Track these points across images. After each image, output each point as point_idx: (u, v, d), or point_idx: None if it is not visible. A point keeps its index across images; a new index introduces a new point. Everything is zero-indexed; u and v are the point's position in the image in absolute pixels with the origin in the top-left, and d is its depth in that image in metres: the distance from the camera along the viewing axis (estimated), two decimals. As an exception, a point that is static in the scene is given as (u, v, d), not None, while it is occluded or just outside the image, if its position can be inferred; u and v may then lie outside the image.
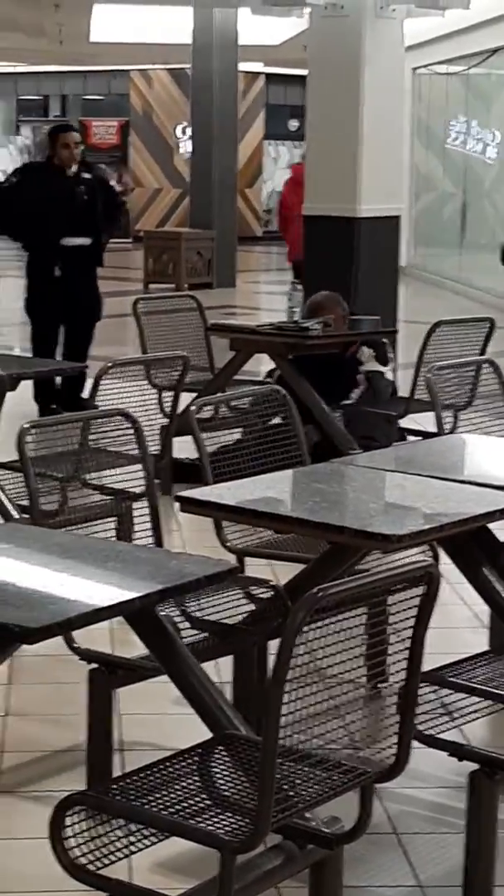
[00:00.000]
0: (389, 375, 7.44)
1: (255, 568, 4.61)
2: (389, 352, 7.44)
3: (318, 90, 8.46)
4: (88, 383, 8.21)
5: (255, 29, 17.49)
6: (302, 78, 9.08)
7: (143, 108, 25.42)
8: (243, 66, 19.58)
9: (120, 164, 25.51)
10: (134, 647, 3.54)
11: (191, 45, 17.89)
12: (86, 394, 8.07)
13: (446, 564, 3.93)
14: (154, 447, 5.85)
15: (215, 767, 2.93)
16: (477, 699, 3.45)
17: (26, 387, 8.39)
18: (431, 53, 18.32)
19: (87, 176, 8.80)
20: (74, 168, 8.68)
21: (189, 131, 19.72)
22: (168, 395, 6.61)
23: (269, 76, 26.01)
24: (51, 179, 8.69)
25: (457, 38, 17.00)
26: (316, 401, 7.23)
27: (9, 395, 5.94)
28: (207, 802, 2.76)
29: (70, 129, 8.92)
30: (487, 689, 3.44)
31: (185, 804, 2.74)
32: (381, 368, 7.37)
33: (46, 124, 21.89)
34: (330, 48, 8.27)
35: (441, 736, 3.32)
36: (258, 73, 25.38)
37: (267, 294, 15.83)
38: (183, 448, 6.82)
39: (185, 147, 22.88)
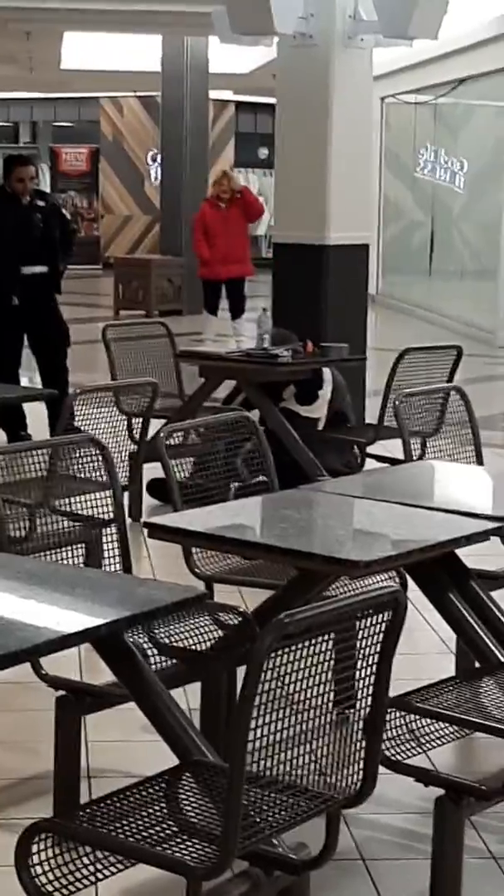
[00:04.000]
0: (315, 414, 7.40)
1: (225, 594, 4.61)
2: (322, 389, 7.41)
3: (288, 119, 8.50)
4: (39, 408, 8.25)
5: (225, 57, 17.58)
6: (272, 106, 9.13)
7: (114, 136, 25.48)
8: (213, 94, 19.66)
9: (90, 190, 25.62)
10: (102, 674, 3.54)
11: (161, 72, 17.98)
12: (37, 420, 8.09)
13: (414, 590, 3.95)
14: (123, 474, 5.86)
15: (182, 794, 2.93)
16: (443, 725, 3.46)
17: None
18: (400, 83, 18.44)
19: (41, 204, 8.83)
20: (28, 197, 8.71)
21: (159, 158, 19.77)
22: (137, 422, 6.62)
23: (238, 104, 26.13)
24: (7, 209, 8.69)
25: (425, 68, 17.13)
26: (284, 427, 7.26)
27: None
28: (174, 829, 2.76)
29: (26, 163, 8.82)
30: (454, 714, 3.45)
31: (152, 831, 2.74)
32: (295, 408, 7.38)
33: (16, 151, 21.88)
34: (299, 77, 8.32)
35: (408, 761, 3.33)
36: (228, 101, 25.48)
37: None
38: (154, 475, 6.84)
39: (156, 174, 22.94)
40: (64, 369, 8.85)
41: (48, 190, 21.76)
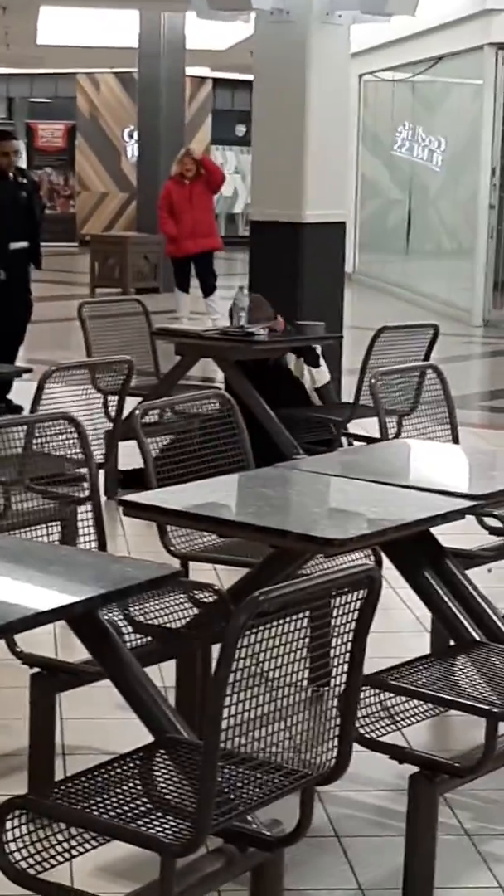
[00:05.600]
0: (327, 375, 7.56)
1: (200, 572, 4.61)
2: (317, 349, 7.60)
3: (265, 95, 8.47)
4: (19, 385, 8.26)
5: (203, 33, 17.50)
6: (249, 83, 9.09)
7: (90, 112, 25.35)
8: (190, 71, 19.57)
9: (67, 167, 25.50)
10: (77, 652, 3.53)
11: (137, 48, 17.89)
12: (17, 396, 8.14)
13: (389, 569, 3.96)
14: (99, 452, 5.84)
15: (157, 771, 2.93)
16: (418, 702, 3.47)
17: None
18: (378, 60, 18.39)
19: (23, 180, 9.01)
20: (12, 173, 8.87)
21: (136, 135, 19.69)
22: (113, 400, 6.60)
23: (216, 81, 26.03)
24: None
25: (403, 45, 17.09)
26: (260, 405, 7.25)
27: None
28: (148, 806, 2.76)
29: (8, 137, 9.07)
30: (428, 692, 3.46)
31: (127, 808, 2.74)
32: (326, 377, 7.48)
33: (-7, 127, 21.74)
34: (276, 53, 8.28)
35: (382, 739, 3.35)
36: (205, 78, 25.39)
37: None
38: (131, 453, 6.82)
39: (132, 151, 22.85)
40: (21, 342, 9.01)
41: (24, 166, 21.69)
